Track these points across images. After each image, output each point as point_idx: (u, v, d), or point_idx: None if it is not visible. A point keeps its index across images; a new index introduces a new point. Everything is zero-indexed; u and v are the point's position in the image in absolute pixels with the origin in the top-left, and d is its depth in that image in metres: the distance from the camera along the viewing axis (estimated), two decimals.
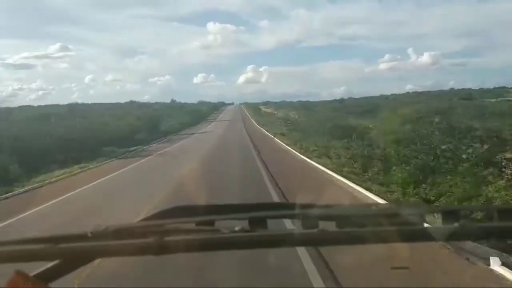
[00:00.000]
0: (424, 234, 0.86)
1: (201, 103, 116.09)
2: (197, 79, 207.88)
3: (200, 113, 79.25)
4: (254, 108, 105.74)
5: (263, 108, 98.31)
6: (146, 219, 0.96)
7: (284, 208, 1.01)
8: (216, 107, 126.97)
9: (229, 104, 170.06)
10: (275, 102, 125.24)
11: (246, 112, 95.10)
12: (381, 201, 8.69)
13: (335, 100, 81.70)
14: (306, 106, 75.82)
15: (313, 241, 0.92)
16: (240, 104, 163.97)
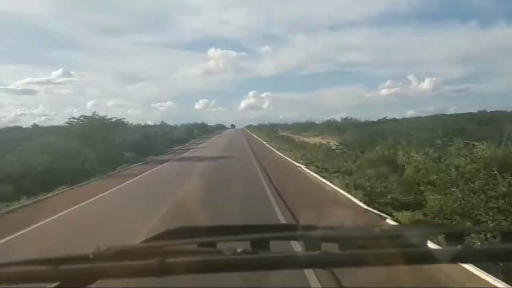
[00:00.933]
0: (427, 256, 0.85)
1: (188, 126, 73.89)
2: (199, 104, 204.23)
3: (159, 139, 38.32)
4: (268, 131, 63.82)
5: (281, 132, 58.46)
6: (148, 240, 0.95)
7: (287, 229, 1.01)
8: (208, 130, 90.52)
9: (229, 128, 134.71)
10: (286, 125, 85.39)
11: (261, 140, 45.17)
12: None
13: (376, 122, 49.25)
14: (348, 127, 41.83)
15: (316, 263, 0.92)
16: (244, 128, 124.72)
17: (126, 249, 0.88)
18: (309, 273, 4.97)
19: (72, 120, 25.99)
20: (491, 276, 4.81)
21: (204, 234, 0.97)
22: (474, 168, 8.79)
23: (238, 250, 0.85)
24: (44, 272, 0.84)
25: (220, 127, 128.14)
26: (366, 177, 12.32)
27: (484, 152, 9.75)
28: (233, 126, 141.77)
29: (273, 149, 30.23)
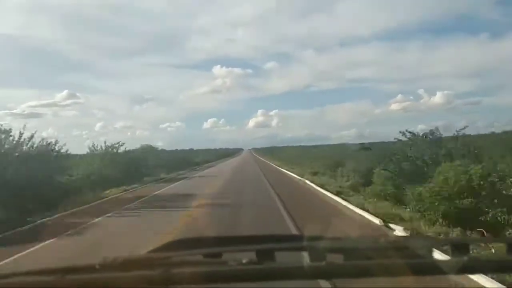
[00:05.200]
0: (433, 267, 0.85)
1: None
2: (207, 124, 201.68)
3: None
4: None
5: None
6: (153, 250, 0.96)
7: (292, 240, 1.01)
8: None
9: (231, 154, 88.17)
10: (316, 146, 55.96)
11: None
12: None
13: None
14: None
15: (321, 274, 0.92)
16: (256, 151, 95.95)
17: (131, 260, 0.89)
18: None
19: None
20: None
21: (209, 244, 0.98)
22: None
23: (244, 261, 0.85)
24: (51, 283, 0.85)
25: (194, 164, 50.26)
26: None
27: None
28: (240, 150, 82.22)
29: None
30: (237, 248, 0.92)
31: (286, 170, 32.67)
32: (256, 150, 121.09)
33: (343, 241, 0.93)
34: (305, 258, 0.87)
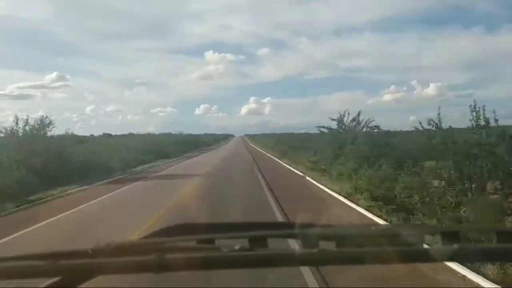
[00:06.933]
0: (423, 255, 0.86)
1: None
2: (199, 110, 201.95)
3: None
4: None
5: None
6: (147, 236, 0.96)
7: (285, 227, 1.01)
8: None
9: (205, 145, 63.78)
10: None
11: None
12: None
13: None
14: None
15: (313, 261, 0.93)
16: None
17: (125, 245, 0.89)
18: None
19: None
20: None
21: (202, 231, 0.98)
22: None
23: (236, 247, 0.85)
24: (44, 267, 0.85)
25: None
26: None
27: None
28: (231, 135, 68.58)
29: None
30: (230, 235, 0.92)
31: None
32: (252, 137, 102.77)
33: (335, 229, 0.94)
34: (297, 245, 0.88)
